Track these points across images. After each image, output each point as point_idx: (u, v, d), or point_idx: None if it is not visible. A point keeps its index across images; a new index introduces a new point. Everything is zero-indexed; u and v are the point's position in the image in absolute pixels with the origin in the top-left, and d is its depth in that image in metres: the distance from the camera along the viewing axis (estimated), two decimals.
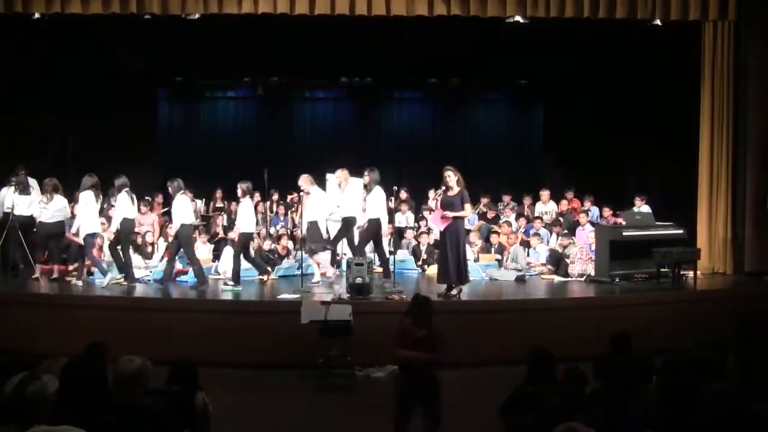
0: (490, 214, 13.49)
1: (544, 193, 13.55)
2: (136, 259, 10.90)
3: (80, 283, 10.15)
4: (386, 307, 8.80)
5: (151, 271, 10.75)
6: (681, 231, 11.07)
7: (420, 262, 12.09)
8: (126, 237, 10.33)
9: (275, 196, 13.63)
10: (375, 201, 10.45)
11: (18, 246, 10.50)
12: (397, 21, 11.21)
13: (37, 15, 10.89)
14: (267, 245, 11.88)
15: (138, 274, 10.52)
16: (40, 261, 10.70)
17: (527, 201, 13.82)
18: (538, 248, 12.07)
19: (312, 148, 15.60)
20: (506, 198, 13.88)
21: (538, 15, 11.03)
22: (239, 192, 10.44)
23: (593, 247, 11.12)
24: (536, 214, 13.19)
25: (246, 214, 10.33)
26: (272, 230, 12.83)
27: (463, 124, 16.77)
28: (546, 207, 13.41)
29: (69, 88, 13.40)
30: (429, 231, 12.35)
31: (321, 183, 11.20)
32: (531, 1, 10.94)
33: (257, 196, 13.41)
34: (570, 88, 15.12)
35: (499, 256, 11.98)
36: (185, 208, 10.20)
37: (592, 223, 12.17)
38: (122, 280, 10.28)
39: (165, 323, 8.73)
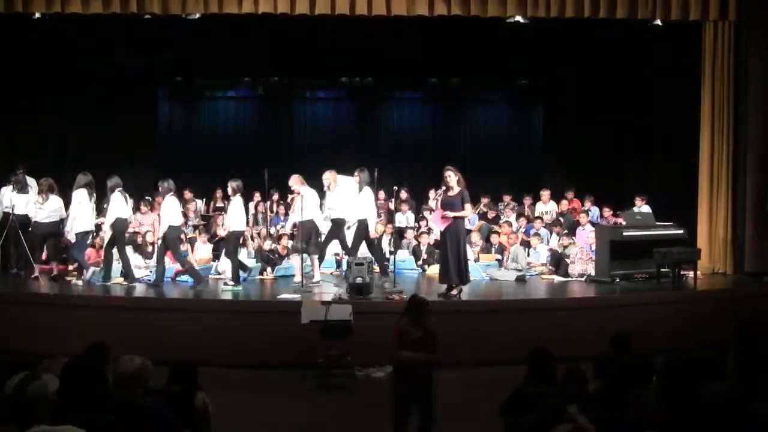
0: (491, 214, 13.49)
1: (545, 193, 13.55)
2: (136, 258, 10.92)
3: (80, 282, 10.15)
4: (386, 307, 8.79)
5: (151, 271, 10.75)
6: (681, 231, 11.07)
7: (420, 262, 12.09)
8: (120, 236, 10.32)
9: (275, 196, 13.63)
10: (363, 202, 10.48)
11: (18, 245, 10.52)
12: (398, 21, 11.21)
13: (37, 15, 10.89)
14: (267, 245, 11.89)
15: (138, 274, 10.53)
16: (40, 261, 10.71)
17: (527, 201, 13.81)
18: (539, 248, 12.07)
19: (312, 148, 15.61)
20: (506, 198, 13.88)
21: (539, 15, 11.03)
22: (230, 190, 10.44)
23: (593, 247, 11.12)
24: (536, 214, 13.19)
25: (237, 213, 10.31)
26: (272, 230, 12.83)
27: (463, 124, 16.77)
28: (546, 207, 13.41)
29: (69, 88, 13.40)
30: (429, 231, 12.35)
31: (321, 183, 11.21)
32: (531, 1, 10.94)
33: (257, 196, 13.47)
34: (570, 88, 15.12)
35: (499, 256, 11.98)
36: (174, 210, 10.18)
37: (593, 223, 12.17)
38: (122, 279, 10.30)
39: (165, 323, 8.73)
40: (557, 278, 11.15)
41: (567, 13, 11.03)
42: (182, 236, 11.25)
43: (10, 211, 10.50)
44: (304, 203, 10.44)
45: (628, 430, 3.77)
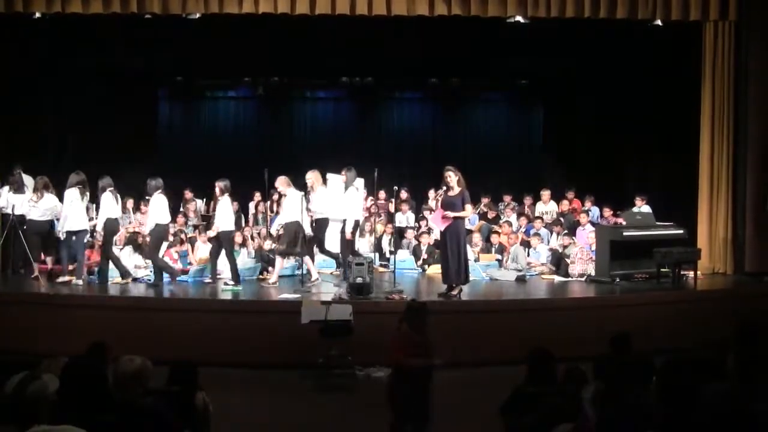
0: (491, 214, 13.49)
1: (545, 193, 13.54)
2: (136, 258, 10.91)
3: (80, 282, 10.16)
4: (386, 307, 8.79)
5: (150, 271, 10.75)
6: (681, 231, 11.06)
7: (420, 262, 12.09)
8: (110, 237, 10.31)
9: (275, 196, 13.60)
10: (347, 201, 10.54)
11: (17, 245, 10.52)
12: (398, 21, 11.21)
13: (37, 15, 10.88)
14: (267, 245, 11.88)
15: (138, 273, 10.53)
16: (39, 260, 10.71)
17: (528, 201, 13.81)
18: (539, 248, 12.06)
19: (312, 148, 15.60)
20: (507, 198, 13.88)
21: (539, 15, 11.02)
22: (217, 190, 10.44)
23: (593, 247, 11.12)
24: (537, 214, 13.18)
25: (225, 213, 10.30)
26: (273, 230, 12.81)
27: (463, 124, 16.78)
28: (546, 207, 13.41)
29: (69, 88, 13.40)
30: (430, 231, 12.35)
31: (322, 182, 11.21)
32: (531, 1, 10.94)
33: (257, 196, 13.46)
34: (570, 88, 15.13)
35: (499, 256, 11.97)
36: (161, 207, 10.16)
37: (593, 223, 12.17)
38: (121, 279, 10.30)
39: (165, 323, 8.73)
40: (557, 278, 11.15)
41: (567, 13, 11.03)
42: (170, 235, 11.34)
43: (10, 212, 10.49)
44: (287, 205, 10.44)
45: (628, 430, 3.76)
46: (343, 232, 10.70)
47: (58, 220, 10.60)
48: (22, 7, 10.60)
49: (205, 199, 13.91)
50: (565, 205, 13.30)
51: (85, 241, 10.57)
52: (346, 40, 12.60)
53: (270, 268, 11.13)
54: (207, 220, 13.25)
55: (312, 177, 10.67)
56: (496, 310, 9.40)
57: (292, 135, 16.48)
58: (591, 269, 10.95)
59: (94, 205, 11.03)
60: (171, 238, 11.56)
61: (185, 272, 10.79)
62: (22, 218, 10.62)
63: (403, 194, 13.51)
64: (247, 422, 6.62)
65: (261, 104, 16.52)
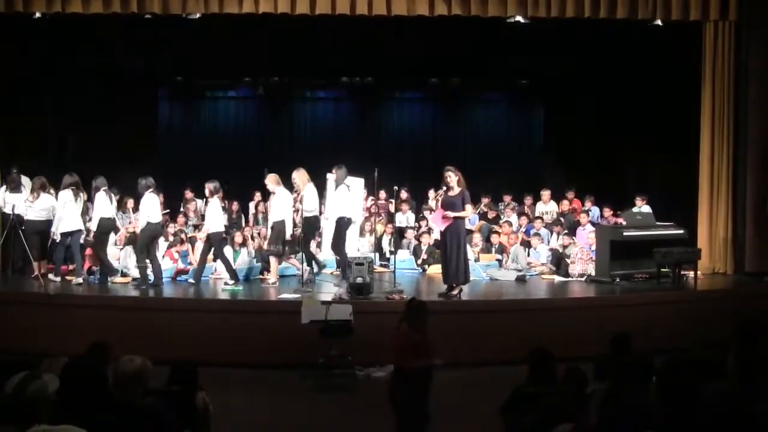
0: (491, 214, 13.49)
1: (545, 193, 13.54)
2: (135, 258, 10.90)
3: (80, 280, 10.15)
4: (386, 307, 8.79)
5: (150, 271, 10.74)
6: (681, 231, 11.06)
7: (419, 262, 12.09)
8: (104, 237, 10.30)
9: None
10: (336, 200, 10.59)
11: (17, 245, 10.52)
12: (398, 21, 11.20)
13: (37, 15, 10.88)
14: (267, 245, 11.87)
15: (138, 273, 10.51)
16: (39, 260, 10.69)
17: (528, 201, 13.81)
18: (539, 248, 12.06)
19: (312, 148, 15.59)
20: (507, 198, 13.88)
21: (539, 15, 11.02)
22: (207, 192, 10.44)
23: (593, 247, 11.12)
24: (537, 214, 13.18)
25: (215, 214, 10.30)
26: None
27: (463, 124, 16.78)
28: (547, 207, 13.40)
29: (69, 88, 13.40)
30: (430, 231, 12.35)
31: (322, 183, 11.21)
32: (532, 1, 10.93)
33: (257, 196, 13.45)
34: (570, 88, 15.12)
35: (499, 256, 11.97)
36: (152, 206, 10.14)
37: (593, 223, 12.17)
38: (121, 279, 10.30)
39: (165, 323, 8.73)
40: (557, 278, 11.15)
41: (567, 13, 11.03)
42: (171, 234, 11.39)
43: (10, 211, 10.49)
44: (275, 203, 10.44)
45: (628, 430, 3.76)
46: (336, 230, 10.68)
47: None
48: (22, 7, 10.60)
49: (205, 199, 13.90)
50: (565, 205, 13.30)
51: (81, 241, 10.56)
52: (346, 40, 12.60)
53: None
54: None
55: (296, 176, 10.66)
56: (496, 310, 9.40)
57: (292, 135, 16.49)
58: (591, 269, 10.95)
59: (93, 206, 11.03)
60: (171, 238, 11.55)
61: (185, 272, 10.77)
62: (21, 218, 10.63)
63: (404, 194, 13.51)
64: (247, 422, 6.62)
65: (261, 104, 16.52)
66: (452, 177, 9.35)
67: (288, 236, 10.49)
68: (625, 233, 10.78)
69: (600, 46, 12.91)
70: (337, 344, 8.29)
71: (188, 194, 13.23)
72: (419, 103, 17.08)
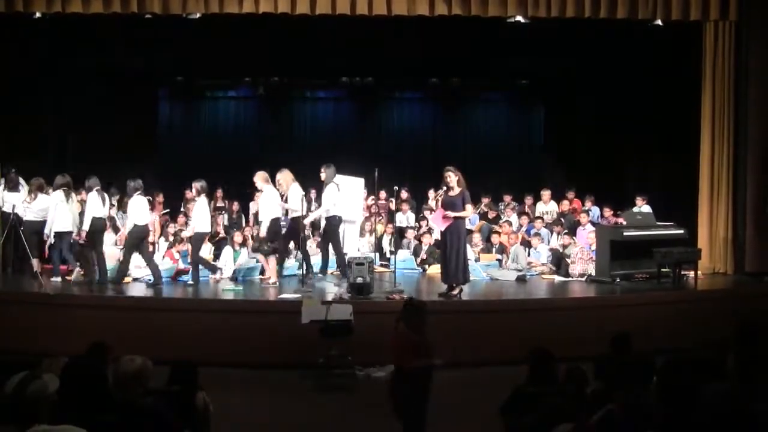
0: (491, 214, 13.49)
1: (545, 193, 13.54)
2: (136, 258, 10.89)
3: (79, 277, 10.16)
4: (386, 307, 8.77)
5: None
6: (682, 231, 11.06)
7: (420, 262, 12.09)
8: (97, 236, 10.30)
9: None
10: (326, 198, 10.61)
11: (17, 244, 10.52)
12: (398, 21, 11.21)
13: (37, 15, 10.88)
14: None
15: (138, 273, 10.52)
16: (39, 259, 10.69)
17: (528, 201, 13.82)
18: (539, 248, 12.06)
19: (312, 148, 15.59)
20: (507, 198, 13.89)
21: (539, 15, 11.02)
22: (194, 191, 10.42)
23: (594, 247, 11.12)
24: (537, 214, 13.19)
25: (201, 214, 10.29)
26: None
27: (463, 124, 16.79)
28: (547, 207, 13.41)
29: (69, 88, 13.40)
30: (430, 231, 12.36)
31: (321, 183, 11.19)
32: (532, 1, 10.93)
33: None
34: (570, 88, 15.13)
35: (499, 256, 11.97)
36: (140, 208, 10.12)
37: (593, 223, 12.17)
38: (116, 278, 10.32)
39: (165, 323, 8.73)
40: (558, 278, 11.15)
41: (567, 13, 11.03)
42: (170, 234, 11.45)
43: (9, 210, 10.49)
44: (263, 201, 10.44)
45: (628, 430, 3.76)
46: (326, 229, 10.68)
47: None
48: (22, 7, 10.60)
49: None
50: (565, 205, 13.30)
51: (71, 241, 10.56)
52: (346, 40, 12.60)
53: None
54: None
55: (280, 177, 10.66)
56: (496, 310, 9.39)
57: (292, 135, 16.49)
58: (591, 269, 10.95)
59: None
60: (171, 238, 11.55)
61: (185, 272, 10.77)
62: (20, 218, 10.63)
63: (404, 194, 13.52)
64: (247, 422, 6.61)
65: (261, 104, 16.53)
66: (452, 177, 9.34)
67: (274, 236, 10.49)
68: (625, 233, 10.78)
69: (600, 46, 12.92)
70: (337, 344, 8.28)
71: (188, 194, 13.20)
72: (419, 103, 17.08)
